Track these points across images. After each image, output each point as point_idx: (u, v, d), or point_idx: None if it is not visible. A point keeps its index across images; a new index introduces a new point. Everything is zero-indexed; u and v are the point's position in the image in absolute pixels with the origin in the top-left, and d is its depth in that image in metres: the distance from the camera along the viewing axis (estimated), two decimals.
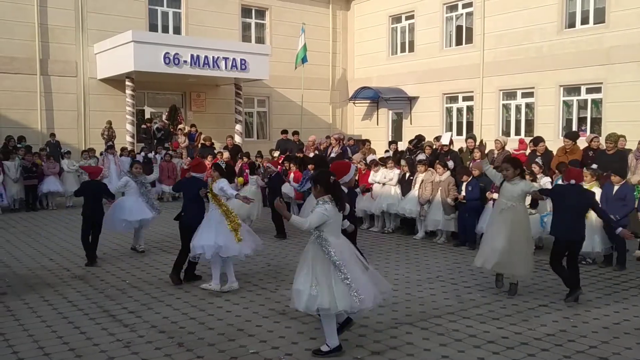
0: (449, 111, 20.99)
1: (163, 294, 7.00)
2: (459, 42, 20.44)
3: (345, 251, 4.98)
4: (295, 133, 17.62)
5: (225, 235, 6.95)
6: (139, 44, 16.97)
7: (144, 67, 17.05)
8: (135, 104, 18.66)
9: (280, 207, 4.93)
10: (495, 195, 7.85)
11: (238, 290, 7.09)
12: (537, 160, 10.11)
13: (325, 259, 4.87)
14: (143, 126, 18.31)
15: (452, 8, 20.54)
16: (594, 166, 8.68)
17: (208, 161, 15.54)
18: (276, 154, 15.22)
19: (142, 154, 16.27)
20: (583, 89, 17.05)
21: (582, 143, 12.07)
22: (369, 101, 23.31)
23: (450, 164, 11.08)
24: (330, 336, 4.99)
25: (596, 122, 16.76)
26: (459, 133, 19.93)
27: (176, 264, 7.52)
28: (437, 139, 14.28)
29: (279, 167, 12.54)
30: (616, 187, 8.14)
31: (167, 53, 17.38)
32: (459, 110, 20.68)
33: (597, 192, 8.29)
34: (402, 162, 11.40)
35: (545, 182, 9.09)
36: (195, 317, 6.08)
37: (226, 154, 15.43)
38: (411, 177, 10.92)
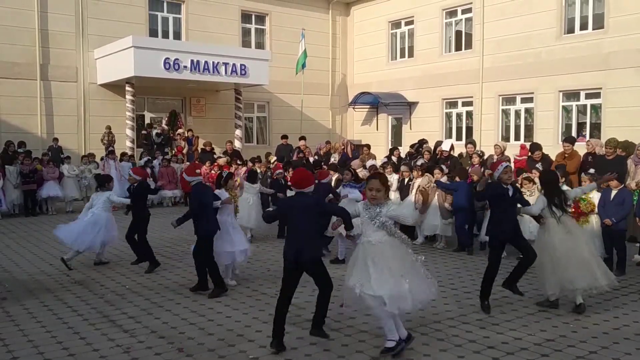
0: (448, 116, 21.02)
1: (163, 299, 7.00)
2: (458, 48, 20.50)
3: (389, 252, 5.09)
4: (302, 138, 17.55)
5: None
6: (139, 49, 17.01)
7: (144, 73, 17.09)
8: (135, 109, 18.69)
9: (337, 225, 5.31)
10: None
11: (238, 296, 7.09)
12: (537, 166, 10.13)
13: (410, 254, 5.07)
14: (143, 132, 18.35)
15: (452, 14, 20.61)
16: (592, 171, 8.71)
17: (206, 167, 15.60)
18: (273, 159, 15.19)
19: (143, 159, 16.28)
20: (582, 94, 17.08)
21: (582, 149, 12.08)
22: (368, 106, 23.35)
23: (445, 168, 11.08)
24: (390, 331, 5.03)
25: (596, 128, 16.79)
26: (459, 138, 19.95)
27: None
28: (439, 143, 14.30)
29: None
30: (614, 192, 8.17)
31: (167, 58, 17.42)
32: (459, 116, 20.72)
33: (596, 196, 8.33)
34: (403, 167, 11.38)
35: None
36: (195, 323, 6.09)
37: (222, 160, 15.44)
38: (410, 182, 10.92)
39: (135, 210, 8.64)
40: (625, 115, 15.45)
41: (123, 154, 16.65)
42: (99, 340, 5.53)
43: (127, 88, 18.20)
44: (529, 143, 13.24)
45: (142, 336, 5.66)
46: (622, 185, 8.33)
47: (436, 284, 5.25)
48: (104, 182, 9.10)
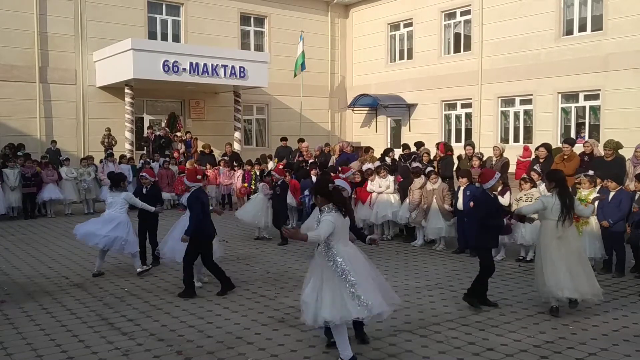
0: (447, 118, 21.04)
1: (162, 301, 6.99)
2: (457, 50, 20.53)
3: (354, 258, 4.97)
4: (302, 140, 17.49)
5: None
6: (138, 51, 17.03)
7: (143, 75, 17.10)
8: (134, 111, 18.71)
9: (293, 234, 4.76)
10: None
11: (237, 298, 7.09)
12: (535, 167, 10.12)
13: (330, 267, 4.87)
14: (145, 134, 18.36)
15: (450, 15, 20.64)
16: (591, 172, 8.70)
17: (207, 169, 15.61)
18: (270, 164, 15.16)
19: (141, 161, 16.28)
20: (581, 95, 17.12)
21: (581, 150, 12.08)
22: (367, 108, 23.37)
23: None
24: (342, 348, 4.92)
25: (594, 129, 16.81)
26: (458, 140, 19.98)
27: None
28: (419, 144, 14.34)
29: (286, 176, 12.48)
30: (612, 193, 8.17)
31: (166, 61, 17.43)
32: (458, 117, 20.74)
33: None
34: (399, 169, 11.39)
35: (543, 188, 9.08)
36: (194, 325, 6.08)
37: (189, 163, 15.51)
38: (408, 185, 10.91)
39: (147, 212, 8.54)
40: (623, 117, 15.47)
41: (122, 157, 16.65)
42: (98, 343, 5.52)
43: (126, 90, 18.21)
44: (531, 145, 13.27)
45: (141, 339, 5.66)
46: (620, 187, 8.32)
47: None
48: (118, 181, 8.44)
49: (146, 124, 19.85)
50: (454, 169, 12.55)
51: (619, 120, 15.54)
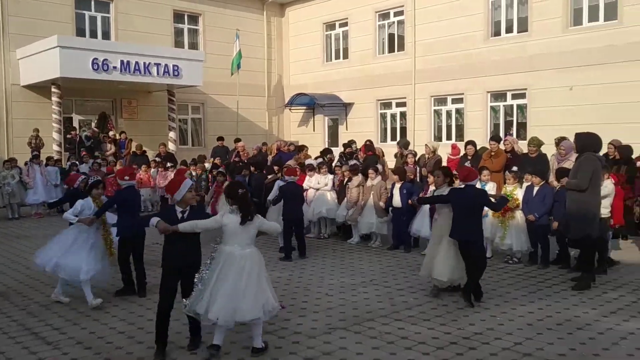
0: (383, 117, 21.36)
1: (89, 308, 6.73)
2: (391, 50, 20.86)
3: (230, 262, 5.03)
4: (238, 140, 17.29)
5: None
6: (65, 49, 16.36)
7: (70, 73, 16.45)
8: (63, 111, 17.97)
9: (165, 228, 5.11)
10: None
11: None
12: (466, 164, 10.42)
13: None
14: (68, 135, 17.67)
15: (384, 16, 20.95)
16: (515, 169, 9.07)
17: (143, 171, 15.21)
18: (207, 165, 14.94)
19: (69, 163, 15.66)
20: (509, 94, 17.74)
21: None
22: (305, 107, 23.40)
23: (380, 167, 11.26)
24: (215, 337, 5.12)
25: (522, 127, 17.47)
26: (393, 138, 20.32)
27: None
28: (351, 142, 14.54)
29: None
30: (536, 189, 8.53)
31: (96, 59, 16.84)
32: (393, 116, 21.08)
33: (520, 193, 8.67)
34: (343, 167, 11.43)
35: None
36: (123, 331, 5.89)
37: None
38: (347, 183, 11.00)
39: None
40: (548, 115, 16.15)
41: (49, 158, 15.90)
42: (20, 355, 5.26)
43: (53, 89, 17.47)
44: (461, 143, 13.62)
45: (67, 348, 5.43)
46: (544, 182, 8.69)
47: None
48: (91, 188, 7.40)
49: (76, 125, 19.14)
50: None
51: (544, 118, 16.21)
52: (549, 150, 11.05)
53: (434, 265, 6.97)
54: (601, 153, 7.87)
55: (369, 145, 13.74)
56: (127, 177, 7.50)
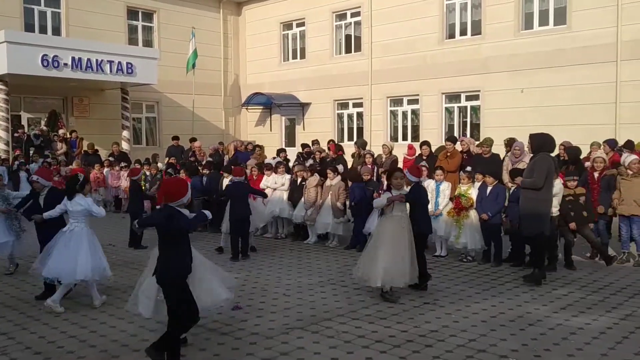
0: (340, 117, 21.46)
1: (40, 312, 6.51)
2: (348, 50, 20.99)
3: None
4: (194, 139, 17.01)
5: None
6: (13, 44, 15.84)
7: (19, 70, 15.92)
8: (10, 109, 17.35)
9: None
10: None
11: (124, 304, 6.74)
12: (423, 163, 10.57)
13: None
14: (16, 134, 17.07)
15: (341, 17, 21.06)
16: (469, 169, 9.27)
17: (96, 170, 14.84)
18: (161, 165, 14.71)
19: (17, 162, 15.13)
20: (463, 96, 18.11)
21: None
22: (262, 107, 23.30)
23: (340, 168, 11.32)
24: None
25: (475, 128, 17.85)
26: (350, 138, 20.46)
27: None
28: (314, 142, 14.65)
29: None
30: (490, 188, 8.73)
31: (46, 55, 16.34)
32: (350, 117, 21.22)
33: (474, 192, 8.86)
34: (297, 167, 11.44)
35: (428, 183, 9.49)
36: (75, 335, 5.73)
37: (76, 163, 14.86)
38: (303, 183, 11.00)
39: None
40: (501, 116, 16.56)
41: None
42: None
43: (0, 86, 16.84)
44: (416, 143, 13.80)
45: (15, 353, 5.24)
46: (497, 182, 8.90)
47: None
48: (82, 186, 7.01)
49: (24, 122, 18.51)
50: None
51: (497, 119, 16.61)
52: (499, 150, 11.34)
53: (373, 270, 6.79)
54: (554, 154, 8.12)
55: (339, 145, 13.85)
56: (56, 178, 7.32)
